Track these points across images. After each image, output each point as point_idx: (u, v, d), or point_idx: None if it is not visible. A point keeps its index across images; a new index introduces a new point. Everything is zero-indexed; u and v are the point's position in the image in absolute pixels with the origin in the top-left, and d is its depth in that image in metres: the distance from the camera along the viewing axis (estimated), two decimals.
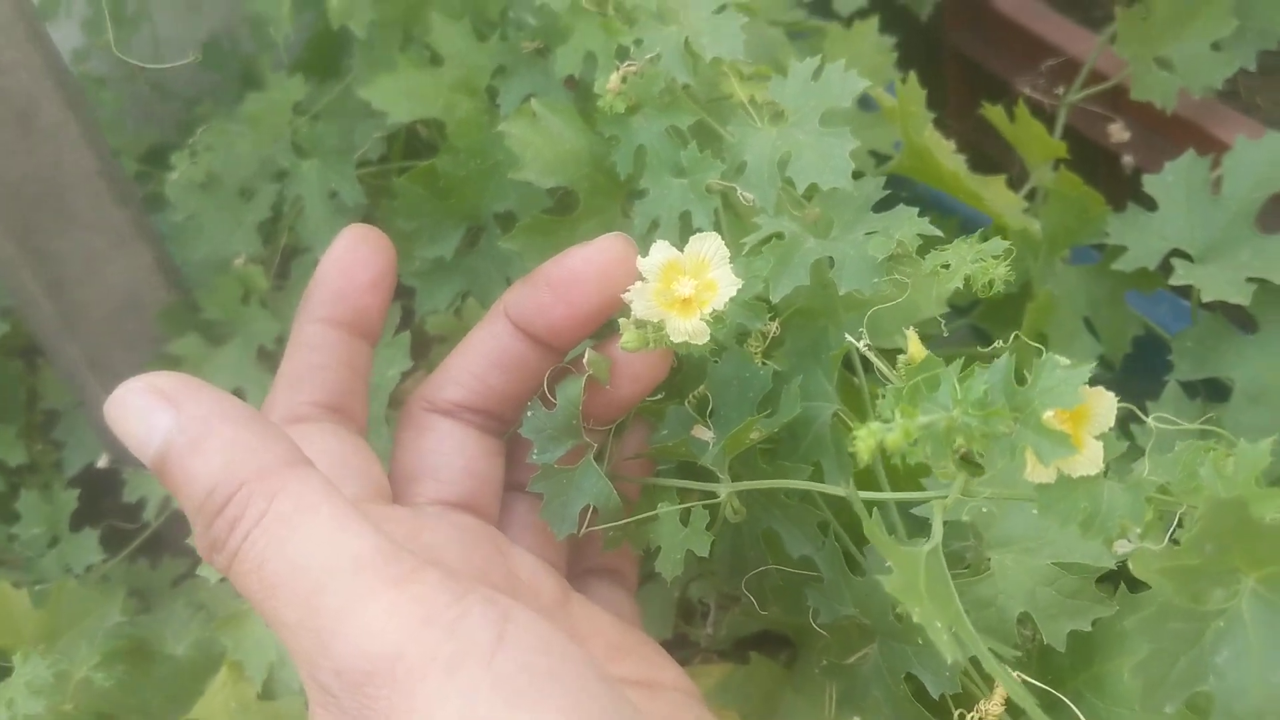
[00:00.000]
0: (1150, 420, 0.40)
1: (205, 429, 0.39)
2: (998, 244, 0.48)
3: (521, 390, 0.51)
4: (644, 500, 0.53)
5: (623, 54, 0.65)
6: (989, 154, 1.01)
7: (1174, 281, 0.69)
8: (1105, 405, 0.37)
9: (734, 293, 0.45)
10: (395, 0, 0.78)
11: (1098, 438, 0.37)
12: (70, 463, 0.89)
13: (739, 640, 0.66)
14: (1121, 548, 0.37)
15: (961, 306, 0.78)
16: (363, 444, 0.50)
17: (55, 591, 0.70)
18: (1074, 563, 0.49)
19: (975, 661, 0.51)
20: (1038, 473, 0.37)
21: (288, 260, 0.82)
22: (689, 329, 0.45)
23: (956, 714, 0.49)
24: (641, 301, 0.45)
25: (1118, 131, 0.95)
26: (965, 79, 1.19)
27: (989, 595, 0.49)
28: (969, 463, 0.38)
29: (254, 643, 0.63)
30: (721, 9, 0.63)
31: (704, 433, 0.51)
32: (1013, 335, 0.39)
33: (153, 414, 0.40)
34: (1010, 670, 0.47)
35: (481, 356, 0.50)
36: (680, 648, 0.67)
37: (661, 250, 0.46)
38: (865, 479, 0.55)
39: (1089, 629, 0.49)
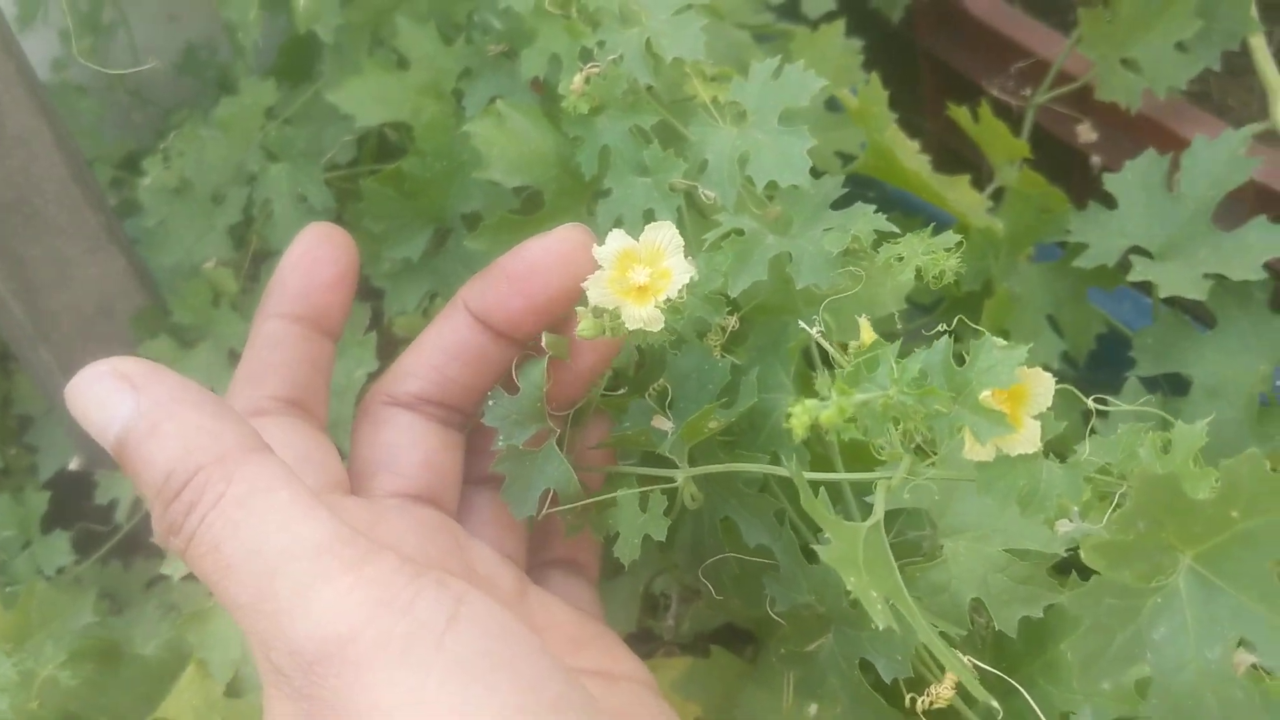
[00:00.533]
0: (1089, 402, 0.41)
1: (165, 413, 0.39)
2: (949, 237, 0.49)
3: (481, 382, 0.51)
4: (606, 489, 0.53)
5: (586, 56, 0.66)
6: (962, 154, 1.02)
7: (1133, 278, 0.70)
8: (1043, 386, 0.37)
9: (687, 280, 0.46)
10: (362, 4, 0.78)
11: (1035, 418, 0.37)
12: (44, 467, 0.89)
13: (701, 635, 0.66)
14: (1063, 528, 0.37)
15: (925, 305, 0.79)
16: (323, 438, 0.50)
17: (25, 593, 0.70)
18: (1025, 550, 0.50)
19: (928, 646, 0.52)
20: (976, 451, 0.37)
21: (258, 264, 0.83)
22: (644, 316, 0.46)
23: (909, 698, 0.49)
24: (597, 289, 0.46)
25: (1085, 132, 0.96)
26: (938, 80, 1.20)
27: (942, 581, 0.50)
28: (919, 449, 0.39)
29: (219, 640, 0.63)
30: (682, 10, 0.63)
31: (664, 423, 0.52)
32: (955, 319, 0.39)
33: (113, 398, 0.40)
34: (959, 652, 0.48)
35: (440, 350, 0.50)
36: (644, 641, 0.67)
37: (617, 239, 0.47)
38: (823, 466, 0.56)
39: (1040, 615, 0.50)
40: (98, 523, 0.83)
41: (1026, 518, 0.36)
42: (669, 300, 0.46)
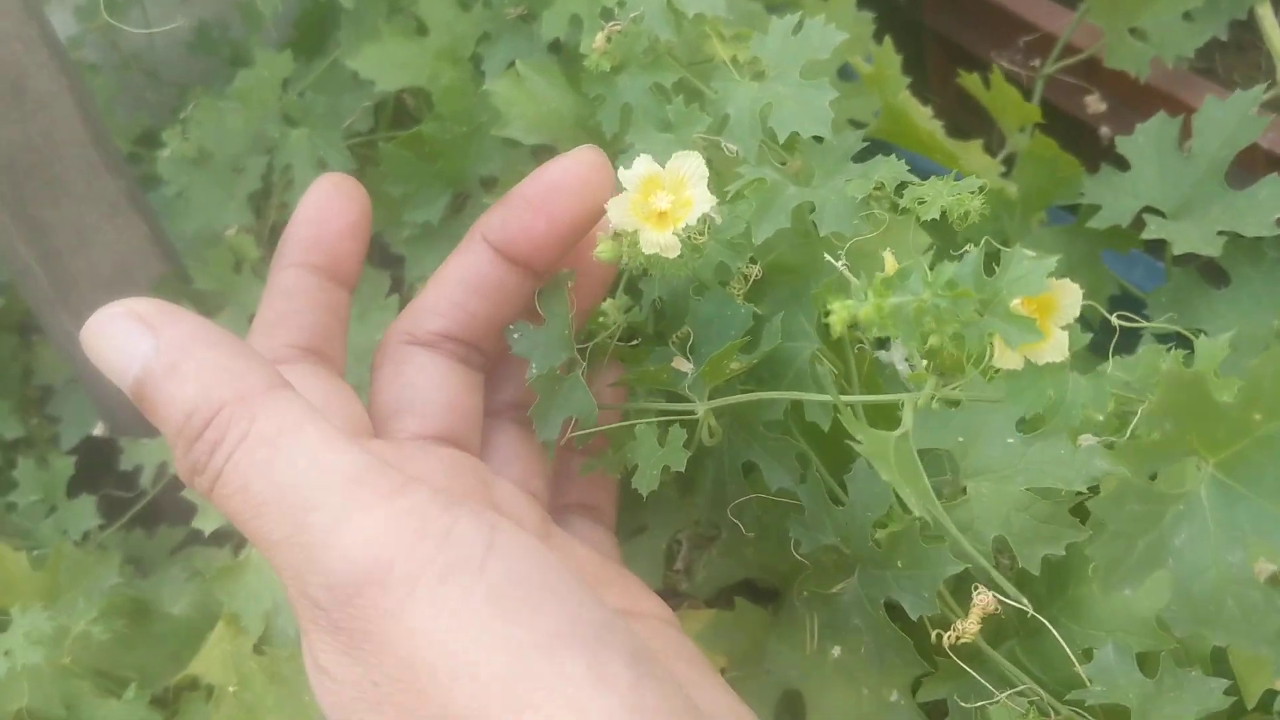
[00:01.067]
0: (1114, 319, 0.42)
1: (184, 353, 0.39)
2: (973, 181, 0.50)
3: (502, 316, 0.51)
4: (625, 430, 0.54)
5: (607, 15, 0.66)
6: (969, 130, 1.03)
7: (1147, 236, 0.70)
8: (1070, 296, 0.38)
9: (708, 208, 0.47)
10: None
11: (1063, 328, 0.38)
12: (66, 437, 0.90)
13: (724, 589, 0.67)
14: (1086, 442, 0.38)
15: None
16: (343, 384, 0.50)
17: (54, 554, 0.71)
18: (1047, 489, 0.51)
19: (951, 584, 0.53)
20: (1006, 359, 0.38)
21: (278, 230, 0.83)
22: (661, 241, 0.47)
23: (934, 634, 0.50)
24: (619, 211, 0.47)
25: (1094, 103, 0.97)
26: (944, 57, 1.21)
27: (965, 521, 0.51)
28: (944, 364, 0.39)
29: (249, 594, 0.64)
30: None
31: (684, 364, 0.53)
32: (983, 239, 0.40)
33: (131, 339, 0.39)
34: (982, 589, 0.49)
35: (460, 284, 0.50)
36: (667, 598, 0.68)
37: (643, 163, 0.48)
38: (841, 429, 0.57)
39: (1063, 554, 0.50)
40: (122, 489, 0.83)
41: (1035, 440, 0.37)
42: (688, 229, 0.47)
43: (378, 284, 0.81)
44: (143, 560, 0.82)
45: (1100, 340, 0.82)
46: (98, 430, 0.85)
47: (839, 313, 0.35)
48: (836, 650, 0.57)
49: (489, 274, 0.50)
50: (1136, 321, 0.43)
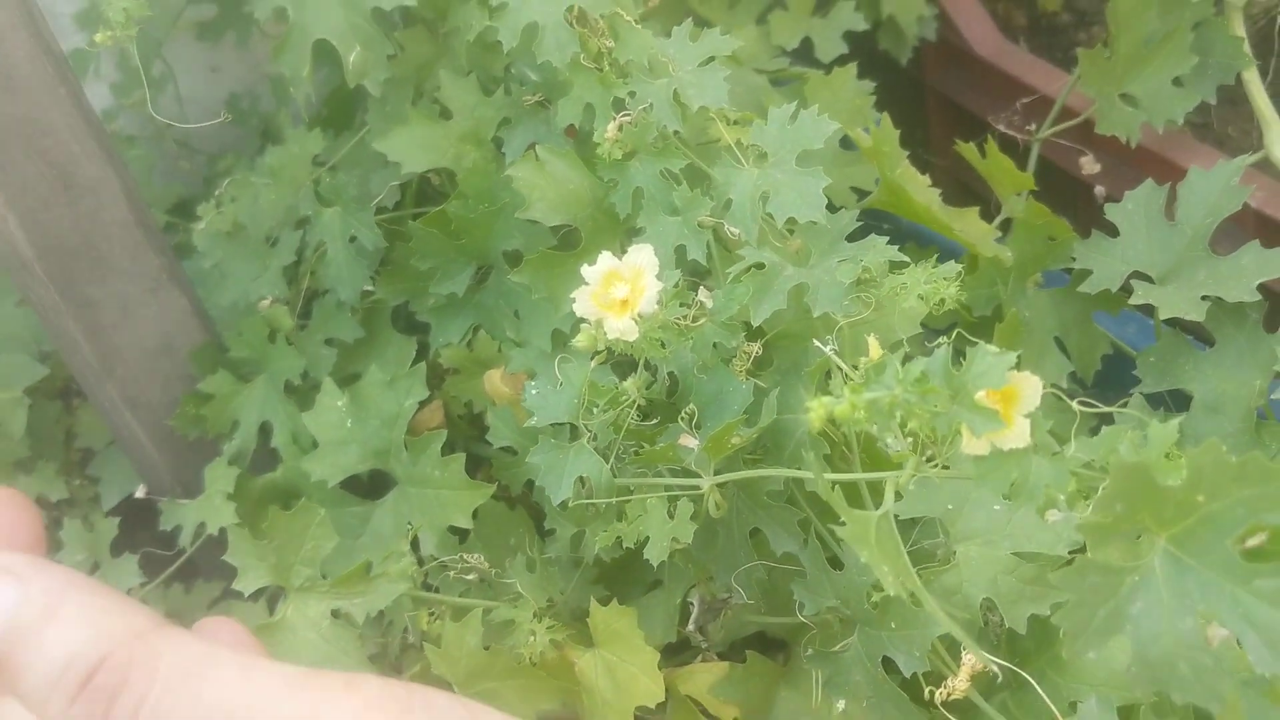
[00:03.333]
0: (1074, 405, 0.45)
1: (60, 598, 0.34)
2: (951, 267, 0.54)
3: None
4: (636, 500, 0.58)
5: (618, 105, 0.71)
6: (971, 187, 1.07)
7: (1134, 301, 0.74)
8: (1031, 388, 0.42)
9: (656, 292, 0.52)
10: (407, 59, 0.84)
11: (1026, 416, 0.42)
12: (106, 497, 0.95)
13: (735, 642, 0.70)
14: (1053, 517, 0.42)
15: (942, 329, 0.83)
16: None
17: None
18: (1032, 553, 0.54)
19: (947, 641, 0.56)
20: (973, 445, 0.42)
21: (310, 301, 0.88)
22: (621, 327, 0.52)
23: (928, 691, 0.54)
24: (583, 303, 0.52)
25: (1089, 164, 1.01)
26: (946, 117, 1.25)
27: (955, 584, 0.54)
28: (930, 460, 0.43)
29: (285, 651, 0.67)
30: (706, 62, 0.69)
31: (690, 441, 0.57)
32: (954, 332, 0.44)
33: None
34: (974, 646, 0.52)
35: None
36: (682, 650, 0.71)
37: (605, 260, 0.53)
38: (843, 486, 0.60)
39: (1047, 613, 0.54)
40: (161, 547, 0.88)
41: (1018, 507, 0.41)
42: (641, 315, 0.52)
43: (404, 350, 0.86)
44: (181, 615, 0.86)
45: (1092, 395, 0.86)
46: (139, 492, 0.89)
47: (816, 410, 0.39)
48: (841, 704, 0.60)
49: None
50: (1097, 407, 0.46)
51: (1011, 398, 0.42)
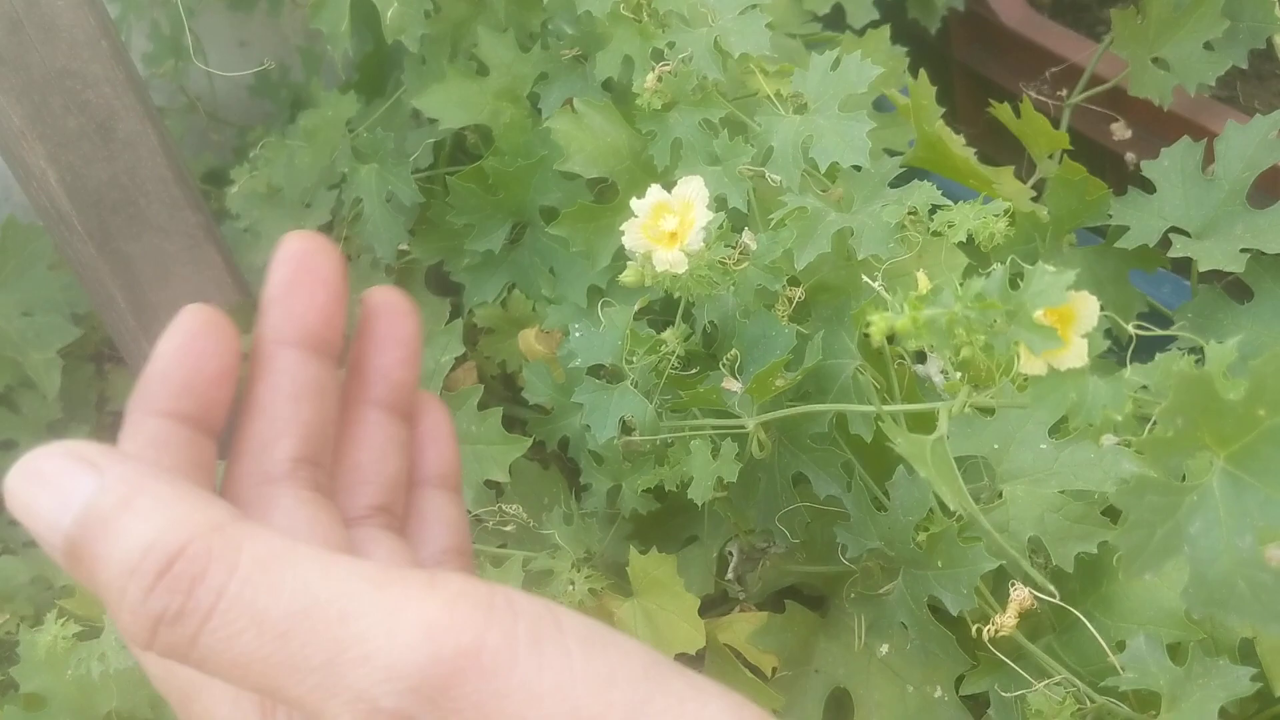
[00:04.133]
0: (1130, 328, 0.45)
1: (137, 487, 0.34)
2: (998, 204, 0.54)
3: (331, 418, 0.43)
4: (681, 441, 0.59)
5: (658, 56, 0.71)
6: (998, 160, 1.07)
7: (1173, 254, 0.74)
8: (1089, 307, 0.42)
9: (706, 223, 0.52)
10: (444, 16, 0.84)
11: (1083, 336, 0.42)
12: None
13: (772, 595, 0.70)
14: (1108, 441, 0.42)
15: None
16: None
17: None
18: (1079, 491, 0.54)
19: (990, 582, 0.56)
20: (1030, 365, 0.42)
21: (347, 262, 0.88)
22: (670, 259, 0.52)
23: (974, 628, 0.54)
24: (633, 235, 0.52)
25: (1120, 130, 1.01)
26: (973, 91, 1.25)
27: (1001, 522, 0.54)
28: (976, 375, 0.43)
29: None
30: (747, 9, 0.69)
31: (734, 384, 0.57)
32: (1009, 259, 0.44)
33: (72, 478, 0.34)
34: (1019, 586, 0.52)
35: (288, 398, 0.42)
36: (721, 602, 0.72)
37: (654, 192, 0.53)
38: (882, 441, 0.60)
39: (1095, 552, 0.54)
40: None
41: (1066, 445, 0.41)
42: (691, 245, 0.52)
43: (439, 310, 0.86)
44: None
45: (1124, 358, 0.85)
46: None
47: (877, 324, 0.39)
48: (884, 648, 0.60)
49: (299, 376, 0.42)
50: (1154, 331, 0.46)
51: (1069, 317, 0.42)
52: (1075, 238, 0.85)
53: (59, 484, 0.34)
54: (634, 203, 0.52)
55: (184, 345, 0.41)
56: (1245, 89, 1.19)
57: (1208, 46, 0.94)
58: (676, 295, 0.58)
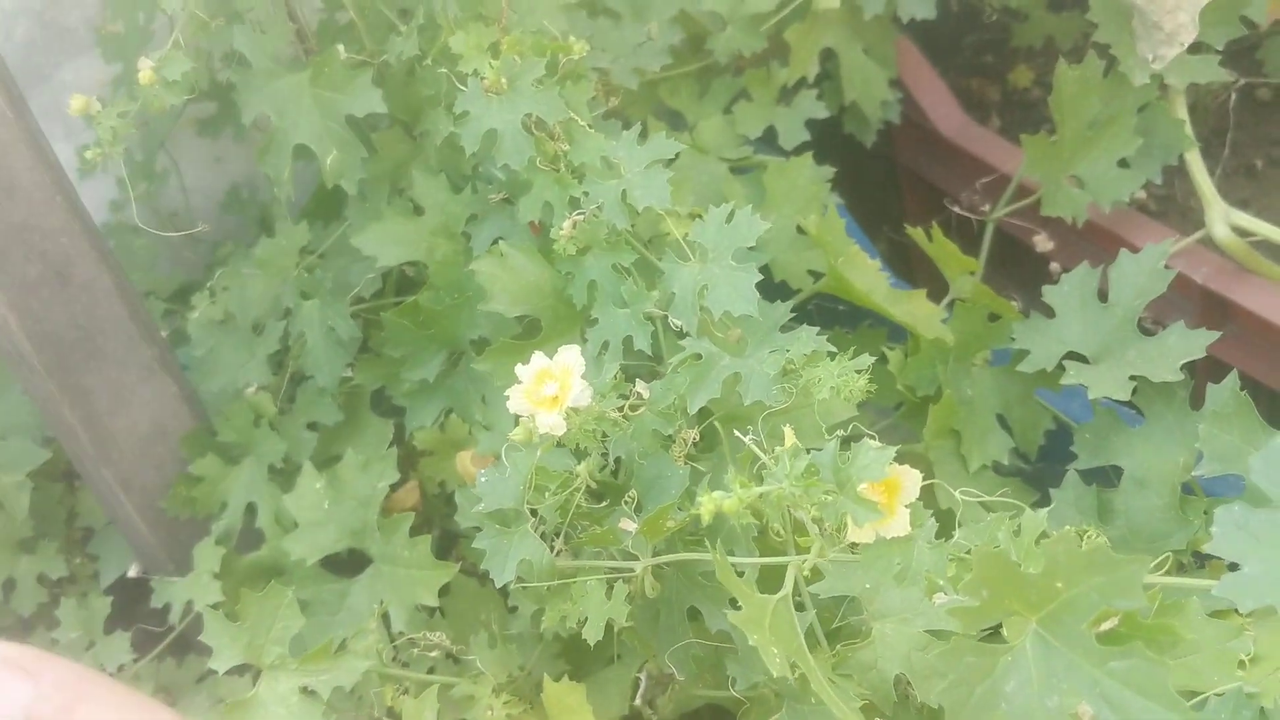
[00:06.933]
0: (958, 494, 0.49)
1: (75, 693, 0.35)
2: (863, 360, 0.58)
3: None
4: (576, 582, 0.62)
5: (574, 203, 0.76)
6: (933, 270, 1.11)
7: (1065, 381, 0.78)
8: (911, 480, 0.46)
9: (581, 395, 0.56)
10: (384, 158, 0.90)
11: (907, 506, 0.46)
12: (105, 574, 0.99)
13: (684, 715, 0.74)
14: (940, 599, 0.46)
15: (888, 408, 0.87)
16: None
17: None
18: (944, 630, 0.58)
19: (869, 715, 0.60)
20: (858, 534, 0.46)
21: (294, 387, 0.93)
22: (551, 423, 0.56)
23: None
24: (516, 399, 0.56)
25: (1042, 242, 1.05)
26: (919, 193, 1.30)
27: (870, 660, 0.57)
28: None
29: None
30: (651, 165, 0.74)
31: (629, 524, 0.61)
32: (850, 425, 0.48)
33: (6, 686, 0.35)
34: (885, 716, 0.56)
35: None
36: None
37: (537, 359, 0.57)
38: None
39: None
40: (153, 624, 0.92)
41: (903, 590, 0.44)
42: (575, 409, 0.57)
43: (382, 432, 0.90)
44: (172, 688, 0.90)
45: (1035, 469, 0.89)
46: (132, 571, 0.94)
47: (705, 505, 0.43)
48: None
49: None
50: (980, 496, 0.50)
51: (894, 489, 0.46)
52: (990, 354, 0.89)
53: None
54: (518, 368, 0.57)
55: None
56: (1181, 186, 1.22)
57: (1122, 164, 0.98)
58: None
